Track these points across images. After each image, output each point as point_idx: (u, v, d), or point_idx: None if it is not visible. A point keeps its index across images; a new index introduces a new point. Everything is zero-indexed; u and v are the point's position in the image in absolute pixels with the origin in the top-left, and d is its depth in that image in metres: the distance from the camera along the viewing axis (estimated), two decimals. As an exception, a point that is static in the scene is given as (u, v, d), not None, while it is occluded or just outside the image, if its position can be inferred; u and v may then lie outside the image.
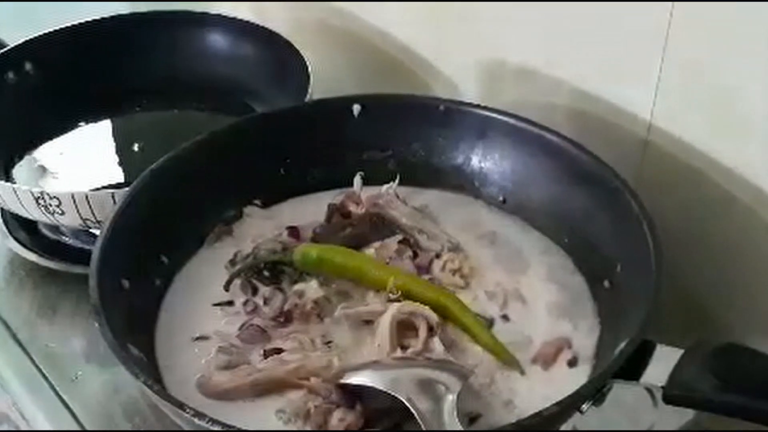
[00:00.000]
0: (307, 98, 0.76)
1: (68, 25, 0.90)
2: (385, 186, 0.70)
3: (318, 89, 0.77)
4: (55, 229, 0.79)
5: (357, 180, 0.71)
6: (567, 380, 0.55)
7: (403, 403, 0.50)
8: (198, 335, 0.60)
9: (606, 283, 0.60)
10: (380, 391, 0.52)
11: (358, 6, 0.87)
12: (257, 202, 0.70)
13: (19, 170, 0.83)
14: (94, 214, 0.69)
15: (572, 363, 0.57)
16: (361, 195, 0.69)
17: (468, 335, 0.59)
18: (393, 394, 0.51)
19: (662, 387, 0.50)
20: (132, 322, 0.58)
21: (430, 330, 0.58)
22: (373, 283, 0.61)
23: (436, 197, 0.71)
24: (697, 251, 0.64)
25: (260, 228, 0.69)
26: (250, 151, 0.69)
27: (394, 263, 0.64)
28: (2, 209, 0.79)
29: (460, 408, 0.50)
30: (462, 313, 0.60)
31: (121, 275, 0.59)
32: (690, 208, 0.64)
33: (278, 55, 0.85)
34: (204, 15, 0.91)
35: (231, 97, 0.89)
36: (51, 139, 0.86)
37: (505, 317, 0.61)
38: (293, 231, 0.67)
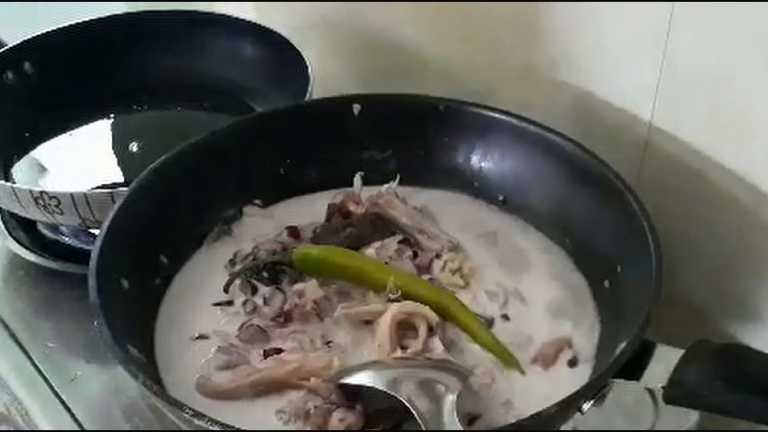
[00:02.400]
0: (307, 98, 0.76)
1: (67, 24, 0.90)
2: (385, 186, 0.70)
3: (318, 89, 0.77)
4: (54, 228, 0.79)
5: (357, 180, 0.71)
6: (567, 380, 0.55)
7: (403, 403, 0.50)
8: (197, 335, 0.60)
9: (606, 283, 0.60)
10: (380, 391, 0.52)
11: (359, 6, 0.86)
12: (257, 201, 0.70)
13: (18, 169, 0.83)
14: (93, 214, 0.68)
15: (572, 363, 0.57)
16: (361, 195, 0.69)
17: (468, 335, 0.59)
18: (393, 394, 0.51)
19: (663, 387, 0.50)
20: (131, 322, 0.58)
21: (430, 330, 0.58)
22: (373, 283, 0.61)
23: (436, 197, 0.70)
24: (697, 251, 0.64)
25: (260, 228, 0.69)
26: (250, 151, 0.69)
27: (394, 263, 0.64)
28: (1, 209, 0.78)
29: (460, 408, 0.50)
30: (462, 313, 0.59)
31: (121, 275, 0.59)
32: (690, 208, 0.64)
33: (278, 54, 0.84)
34: (204, 15, 0.90)
35: (231, 97, 0.89)
36: (50, 138, 0.86)
37: (506, 317, 0.61)
38: (293, 231, 0.67)
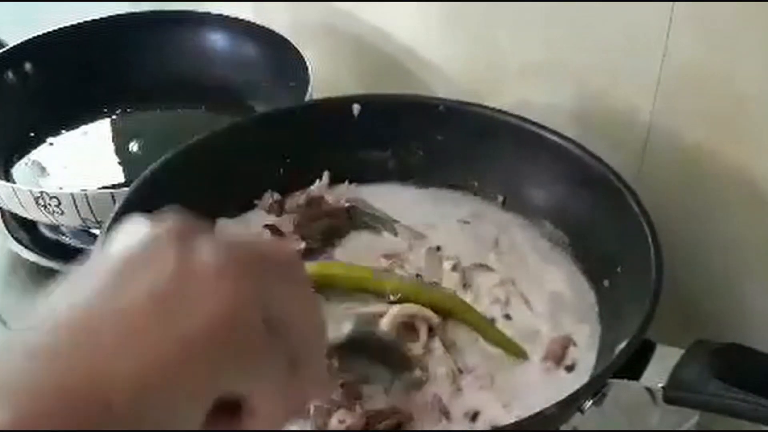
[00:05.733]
0: (307, 98, 0.76)
1: (68, 24, 0.90)
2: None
3: (318, 89, 0.77)
4: (55, 229, 0.79)
5: (325, 177, 0.71)
6: (567, 380, 0.55)
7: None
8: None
9: (606, 283, 0.60)
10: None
11: (359, 6, 0.87)
12: (257, 201, 0.70)
13: (19, 170, 0.83)
14: (93, 214, 0.69)
15: (573, 363, 0.57)
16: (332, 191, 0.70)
17: (474, 334, 0.59)
18: None
19: (663, 387, 0.50)
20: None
21: (431, 331, 0.58)
22: (374, 290, 0.61)
23: (435, 196, 0.71)
24: (697, 251, 0.64)
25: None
26: (250, 151, 0.69)
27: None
28: (2, 209, 0.79)
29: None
30: (467, 312, 0.60)
31: (121, 275, 0.59)
32: (690, 208, 0.64)
33: (278, 55, 0.84)
34: (204, 15, 0.91)
35: (231, 97, 0.89)
36: (51, 138, 0.86)
37: (507, 317, 0.61)
38: (274, 228, 0.66)
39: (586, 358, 0.57)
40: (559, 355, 0.57)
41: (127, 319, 0.29)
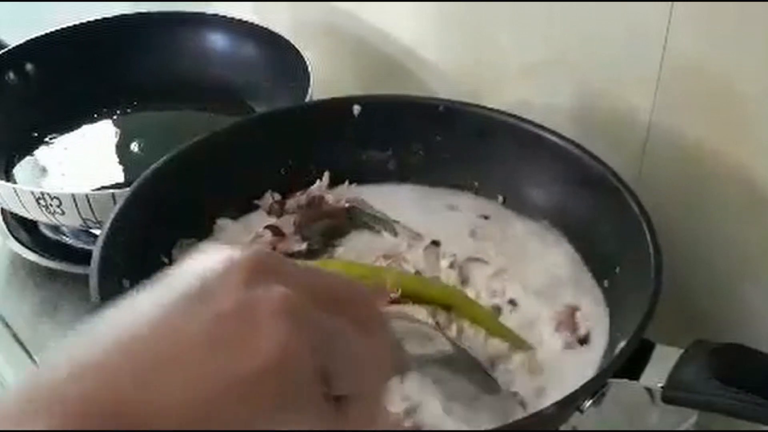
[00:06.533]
0: (307, 98, 0.76)
1: (68, 25, 0.90)
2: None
3: (318, 89, 0.77)
4: (55, 229, 0.79)
5: (326, 176, 0.71)
6: (584, 351, 0.56)
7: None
8: (198, 335, 0.60)
9: (606, 283, 0.60)
10: None
11: (359, 6, 0.87)
12: (257, 202, 0.70)
13: (20, 170, 0.83)
14: (94, 214, 0.69)
15: (587, 330, 0.58)
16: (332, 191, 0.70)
17: (477, 326, 0.59)
18: None
19: (662, 387, 0.50)
20: (132, 322, 0.58)
21: (437, 325, 0.58)
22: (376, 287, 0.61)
23: (435, 196, 0.71)
24: (697, 251, 0.64)
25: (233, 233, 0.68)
26: (250, 152, 0.70)
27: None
28: (3, 209, 0.79)
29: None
30: (469, 305, 0.60)
31: (122, 275, 0.59)
32: (690, 208, 0.64)
33: (278, 55, 0.85)
34: (204, 15, 0.91)
35: (231, 97, 0.89)
36: (51, 139, 0.86)
37: (512, 302, 0.61)
38: (275, 229, 0.66)
39: (598, 326, 0.58)
40: (570, 324, 0.58)
41: (181, 348, 0.28)
